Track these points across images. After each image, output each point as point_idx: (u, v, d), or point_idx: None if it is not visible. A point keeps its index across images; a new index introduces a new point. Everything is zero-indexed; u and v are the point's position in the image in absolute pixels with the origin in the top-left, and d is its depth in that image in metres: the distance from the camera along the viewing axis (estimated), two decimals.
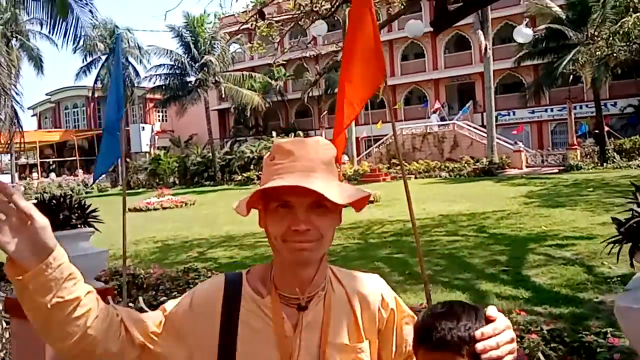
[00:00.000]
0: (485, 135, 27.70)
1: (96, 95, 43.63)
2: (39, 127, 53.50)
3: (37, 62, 39.01)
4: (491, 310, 1.11)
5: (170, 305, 1.24)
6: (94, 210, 3.86)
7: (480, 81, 31.45)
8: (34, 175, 41.67)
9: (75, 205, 3.82)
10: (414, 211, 3.35)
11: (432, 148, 30.96)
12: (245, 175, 31.44)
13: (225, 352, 1.17)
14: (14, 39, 37.35)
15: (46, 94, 53.18)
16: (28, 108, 55.96)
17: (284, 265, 1.21)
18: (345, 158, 30.39)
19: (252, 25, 15.55)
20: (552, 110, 33.05)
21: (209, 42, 36.04)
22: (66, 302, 1.04)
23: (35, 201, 3.81)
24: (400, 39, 37.10)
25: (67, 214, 3.73)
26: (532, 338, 3.15)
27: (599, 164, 24.14)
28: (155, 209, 21.22)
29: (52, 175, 41.68)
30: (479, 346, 1.03)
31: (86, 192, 33.26)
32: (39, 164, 44.77)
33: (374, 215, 13.66)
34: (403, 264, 8.15)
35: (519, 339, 3.24)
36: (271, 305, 1.20)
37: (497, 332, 1.07)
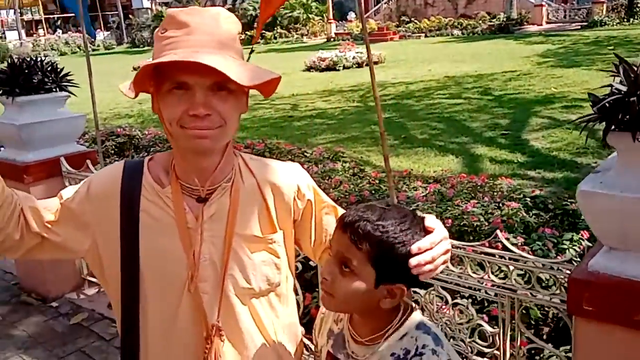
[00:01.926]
0: None
1: None
2: None
3: None
4: (430, 221, 1.05)
5: (67, 192, 1.17)
6: (67, 74, 3.68)
7: None
8: (40, 32, 40.43)
9: (49, 69, 3.64)
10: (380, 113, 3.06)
11: (445, 3, 29.19)
12: (248, 33, 30.09)
13: (127, 241, 1.12)
14: None
15: None
16: None
17: (182, 153, 1.11)
18: (352, 15, 28.95)
19: None
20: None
21: None
22: None
23: (6, 64, 3.63)
24: None
25: (40, 77, 3.56)
26: (511, 206, 3.12)
27: (625, 20, 22.74)
28: None
29: (59, 31, 40.36)
30: (413, 261, 0.99)
31: (93, 50, 32.44)
32: (43, 20, 43.17)
33: (378, 76, 13.05)
34: (400, 127, 8.04)
35: (497, 207, 3.23)
36: (172, 196, 1.12)
37: (433, 245, 1.02)
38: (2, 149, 4.37)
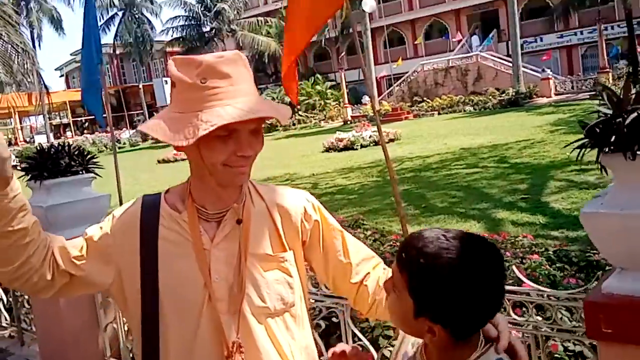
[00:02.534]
0: (511, 64, 26.69)
1: (117, 52, 43.68)
2: (68, 87, 54.13)
3: (57, 23, 39.05)
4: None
5: (91, 230, 1.25)
6: (93, 157, 3.88)
7: (504, 8, 29.92)
8: (68, 134, 42.53)
9: (76, 153, 3.85)
10: (391, 164, 3.15)
11: (455, 82, 30.12)
12: (268, 122, 31.40)
13: (147, 267, 1.18)
14: (32, 1, 37.29)
15: (71, 54, 53.43)
16: (55, 69, 56.68)
17: (211, 185, 1.19)
18: (365, 99, 29.97)
19: None
20: (581, 33, 31.36)
21: None
22: (15, 230, 1.09)
23: (36, 150, 3.86)
24: None
25: (67, 161, 3.76)
26: (533, 259, 3.09)
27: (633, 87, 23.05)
28: (183, 160, 21.53)
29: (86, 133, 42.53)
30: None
31: (119, 147, 33.84)
32: (71, 123, 45.56)
33: (395, 152, 13.53)
34: (419, 197, 8.10)
35: (520, 262, 3.19)
36: (188, 220, 1.19)
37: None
38: None
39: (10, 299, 4.69)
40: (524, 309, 1.80)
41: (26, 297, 4.49)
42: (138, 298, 1.19)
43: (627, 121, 1.39)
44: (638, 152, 1.39)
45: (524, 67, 26.50)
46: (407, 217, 6.73)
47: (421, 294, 0.93)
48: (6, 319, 4.95)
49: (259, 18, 36.97)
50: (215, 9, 34.63)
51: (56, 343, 3.54)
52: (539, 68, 28.29)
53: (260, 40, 36.04)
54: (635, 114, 1.40)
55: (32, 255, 1.13)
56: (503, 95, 25.44)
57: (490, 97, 25.74)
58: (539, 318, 1.79)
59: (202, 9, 35.51)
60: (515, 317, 1.79)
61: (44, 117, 38.89)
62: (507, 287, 1.81)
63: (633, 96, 1.45)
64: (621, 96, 1.45)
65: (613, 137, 1.42)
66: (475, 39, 33.14)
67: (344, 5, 2.93)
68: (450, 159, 11.70)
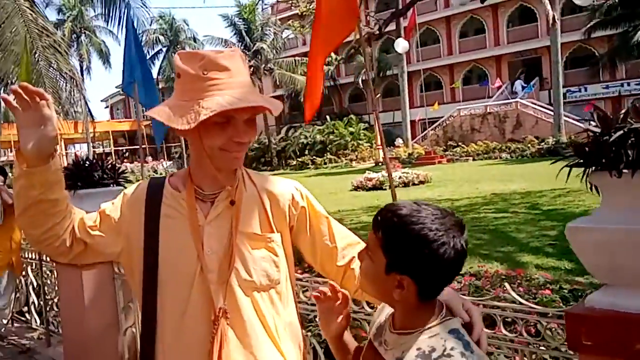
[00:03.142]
0: (552, 113, 26.35)
1: (160, 86, 45.37)
2: (112, 117, 56.57)
3: (105, 57, 40.99)
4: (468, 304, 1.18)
5: (105, 205, 1.42)
6: (123, 172, 4.10)
7: (548, 55, 29.72)
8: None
9: (108, 167, 4.08)
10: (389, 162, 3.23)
11: (492, 129, 29.97)
12: (300, 160, 31.85)
13: (150, 240, 1.33)
14: (83, 35, 39.38)
15: (116, 87, 55.96)
16: (101, 100, 59.31)
17: (209, 168, 1.33)
18: (399, 141, 30.09)
19: (301, 8, 15.61)
20: (628, 84, 30.64)
21: (260, 29, 36.61)
22: (50, 200, 1.26)
23: (72, 162, 4.11)
24: (457, 14, 35.99)
25: (100, 174, 3.98)
26: (545, 294, 3.06)
27: None
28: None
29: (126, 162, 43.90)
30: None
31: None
32: (113, 152, 47.23)
33: (424, 194, 13.49)
34: None
35: (533, 297, 3.16)
36: (186, 198, 1.34)
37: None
38: None
39: (42, 302, 4.92)
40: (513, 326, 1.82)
41: (55, 300, 4.70)
42: (141, 267, 1.33)
43: (613, 138, 1.45)
44: (623, 170, 1.44)
45: (566, 116, 26.13)
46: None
47: (393, 250, 1.05)
48: (36, 321, 5.17)
49: (297, 58, 37.94)
50: (254, 48, 35.79)
51: (79, 345, 3.68)
52: (582, 118, 27.80)
53: (297, 80, 36.89)
54: (621, 132, 1.45)
55: (58, 223, 1.29)
56: (542, 143, 25.03)
57: (529, 145, 25.38)
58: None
59: (242, 47, 36.76)
60: (506, 333, 1.81)
61: (87, 145, 40.43)
62: (498, 303, 1.85)
63: (621, 115, 1.51)
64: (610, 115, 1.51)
65: (600, 156, 1.48)
66: (519, 83, 33.05)
67: (358, 32, 3.11)
68: (480, 202, 11.58)
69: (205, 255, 1.29)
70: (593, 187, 1.58)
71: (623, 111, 1.51)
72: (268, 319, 1.33)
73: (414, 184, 16.33)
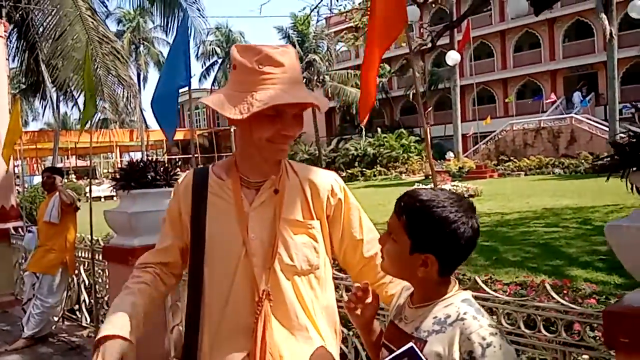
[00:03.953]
0: (608, 129, 25.45)
1: None
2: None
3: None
4: None
5: (168, 207, 1.55)
6: (176, 174, 4.27)
7: (604, 71, 28.77)
8: None
9: (161, 169, 4.26)
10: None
11: (545, 144, 29.12)
12: (349, 171, 31.83)
13: (196, 224, 1.42)
14: (141, 45, 40.99)
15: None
16: None
17: (255, 158, 1.40)
18: (450, 154, 29.66)
19: (355, 20, 15.74)
20: None
21: (314, 41, 36.98)
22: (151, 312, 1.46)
23: (127, 163, 4.31)
24: (513, 29, 35.29)
25: (153, 175, 4.16)
26: (590, 302, 2.99)
27: None
28: None
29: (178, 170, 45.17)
30: None
31: None
32: (166, 161, 48.62)
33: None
34: (491, 250, 7.88)
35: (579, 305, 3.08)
36: (232, 187, 1.41)
37: None
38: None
39: (92, 301, 5.13)
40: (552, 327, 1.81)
41: (106, 298, 4.90)
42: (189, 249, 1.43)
43: None
44: None
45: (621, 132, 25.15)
46: (477, 267, 6.60)
47: (418, 231, 1.15)
48: (86, 319, 5.39)
49: (349, 71, 38.14)
50: (307, 59, 36.22)
51: None
52: None
53: (349, 91, 37.03)
54: None
55: (155, 303, 1.49)
56: (597, 160, 24.17)
57: (583, 160, 24.55)
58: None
59: None
60: (546, 333, 1.80)
61: (142, 153, 41.88)
62: (538, 304, 1.84)
63: None
64: None
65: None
66: (577, 95, 32.06)
67: (408, 44, 3.16)
68: (530, 217, 11.29)
69: (250, 240, 1.36)
70: (634, 187, 1.56)
71: None
72: (307, 302, 1.39)
73: (464, 197, 16.03)
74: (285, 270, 1.37)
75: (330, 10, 13.31)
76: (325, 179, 1.49)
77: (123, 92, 11.69)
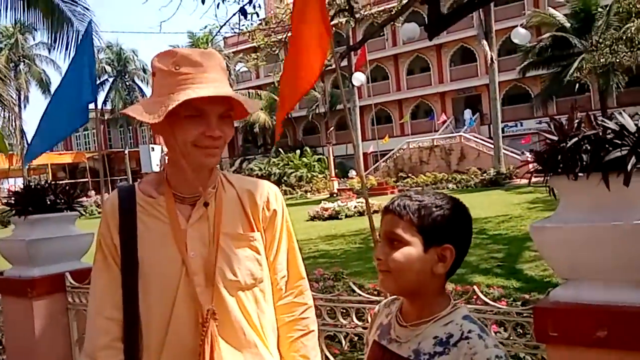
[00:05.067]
0: (493, 146, 27.65)
1: (105, 117, 44.30)
2: (51, 149, 54.26)
3: (45, 86, 39.74)
4: None
5: (100, 238, 1.41)
6: (78, 196, 3.97)
7: (487, 93, 31.37)
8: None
9: (61, 192, 3.94)
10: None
11: (439, 160, 30.95)
12: None
13: (126, 247, 1.31)
14: (22, 63, 38.15)
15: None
16: None
17: (184, 169, 1.31)
18: (352, 173, 30.54)
19: (257, 41, 15.82)
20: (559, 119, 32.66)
21: None
22: None
23: (23, 186, 3.94)
24: (405, 53, 37.37)
25: (53, 198, 3.84)
26: (501, 304, 3.17)
27: None
28: None
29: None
30: None
31: (99, 213, 33.49)
32: (51, 187, 45.23)
33: (377, 223, 13.68)
34: None
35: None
36: (165, 204, 1.32)
37: None
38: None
39: None
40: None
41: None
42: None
43: (569, 145, 1.57)
44: (579, 174, 1.56)
45: (504, 149, 27.46)
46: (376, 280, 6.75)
47: (427, 225, 1.11)
48: None
49: (250, 91, 38.14)
50: None
51: None
52: (519, 151, 29.26)
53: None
54: (575, 139, 1.58)
55: None
56: (484, 175, 26.09)
57: (473, 176, 26.37)
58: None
59: None
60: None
61: (23, 179, 38.66)
62: (469, 305, 1.92)
63: (575, 124, 1.64)
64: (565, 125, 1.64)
65: (557, 161, 1.59)
66: (468, 112, 34.41)
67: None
68: None
69: (190, 258, 1.29)
70: (553, 191, 1.68)
71: (577, 121, 1.64)
72: (254, 318, 1.34)
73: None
74: (229, 286, 1.31)
75: (233, 29, 13.20)
76: (262, 189, 1.44)
77: (3, 112, 10.73)
